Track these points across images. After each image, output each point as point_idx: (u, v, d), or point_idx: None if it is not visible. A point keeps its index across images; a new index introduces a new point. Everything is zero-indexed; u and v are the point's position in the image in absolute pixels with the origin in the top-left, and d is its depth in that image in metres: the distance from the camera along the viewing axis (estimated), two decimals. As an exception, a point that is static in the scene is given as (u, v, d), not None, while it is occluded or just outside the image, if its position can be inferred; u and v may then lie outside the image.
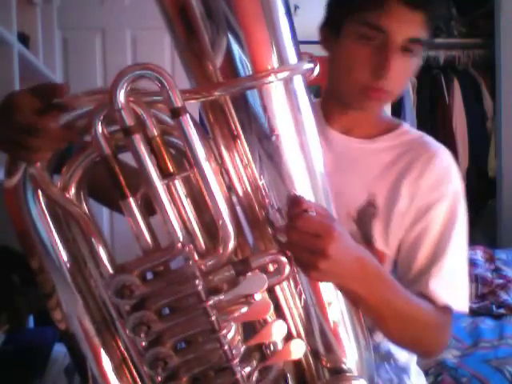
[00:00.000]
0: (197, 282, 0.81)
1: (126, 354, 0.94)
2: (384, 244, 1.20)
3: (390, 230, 1.19)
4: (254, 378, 0.89)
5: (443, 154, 1.24)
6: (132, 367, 0.94)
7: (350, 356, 0.99)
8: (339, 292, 0.96)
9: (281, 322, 0.90)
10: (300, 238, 0.86)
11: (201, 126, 0.88)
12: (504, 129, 4.27)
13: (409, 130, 1.30)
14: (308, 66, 0.87)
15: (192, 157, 0.82)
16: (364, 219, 1.20)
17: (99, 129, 0.80)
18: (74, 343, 0.93)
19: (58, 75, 3.54)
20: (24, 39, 2.84)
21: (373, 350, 1.13)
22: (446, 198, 1.19)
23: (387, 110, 3.45)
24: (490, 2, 4.31)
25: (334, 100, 1.25)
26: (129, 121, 0.79)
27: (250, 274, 0.85)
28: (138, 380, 0.94)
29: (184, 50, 0.87)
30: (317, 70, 0.89)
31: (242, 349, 0.88)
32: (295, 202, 0.89)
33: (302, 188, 0.90)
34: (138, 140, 0.80)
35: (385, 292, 1.01)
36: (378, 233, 1.20)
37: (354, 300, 0.99)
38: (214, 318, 0.83)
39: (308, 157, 0.91)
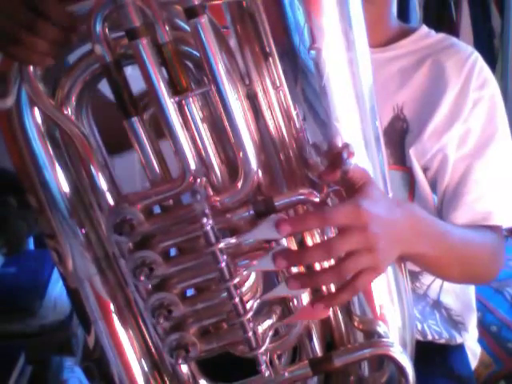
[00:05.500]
0: (204, 220, 0.61)
1: (130, 297, 0.75)
2: (421, 162, 0.95)
3: (425, 142, 0.94)
4: (268, 337, 0.68)
5: (474, 56, 0.98)
6: (136, 311, 0.75)
7: (390, 320, 0.78)
8: None
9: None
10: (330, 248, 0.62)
11: (225, 38, 0.67)
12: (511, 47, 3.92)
13: (429, 32, 1.03)
14: None
15: (208, 68, 0.59)
16: (393, 137, 0.96)
17: (98, 29, 0.59)
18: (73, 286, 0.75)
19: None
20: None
21: (420, 297, 1.00)
22: (483, 103, 0.95)
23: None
24: None
25: None
26: (134, 21, 0.58)
27: (272, 216, 0.62)
28: (142, 325, 0.76)
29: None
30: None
31: (256, 303, 0.67)
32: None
33: (347, 120, 0.68)
34: (145, 45, 0.58)
35: (441, 239, 0.82)
36: (413, 150, 0.95)
37: (415, 261, 0.81)
38: (223, 265, 0.62)
39: (356, 78, 0.67)
